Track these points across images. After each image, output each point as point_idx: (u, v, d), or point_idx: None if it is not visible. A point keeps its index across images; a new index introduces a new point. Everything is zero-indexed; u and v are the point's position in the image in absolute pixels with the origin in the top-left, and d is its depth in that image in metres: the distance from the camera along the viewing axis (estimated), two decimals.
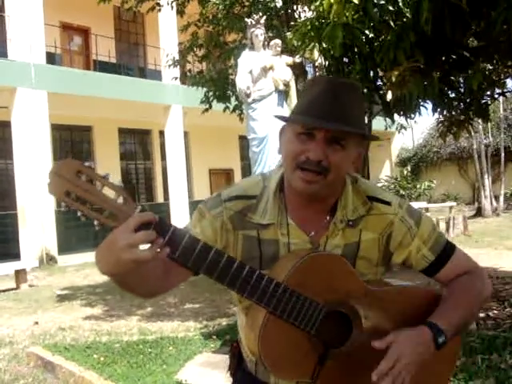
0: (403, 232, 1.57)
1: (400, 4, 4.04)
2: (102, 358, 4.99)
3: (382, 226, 1.56)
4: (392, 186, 23.92)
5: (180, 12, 10.30)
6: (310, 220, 1.56)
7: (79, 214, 1.29)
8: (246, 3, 9.64)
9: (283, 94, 7.42)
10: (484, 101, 5.45)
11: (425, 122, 26.10)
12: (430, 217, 1.69)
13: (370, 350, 1.44)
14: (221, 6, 9.34)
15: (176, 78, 12.05)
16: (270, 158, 7.08)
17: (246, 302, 1.55)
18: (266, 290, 1.40)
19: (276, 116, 1.65)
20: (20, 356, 5.58)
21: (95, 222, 1.30)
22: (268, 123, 6.87)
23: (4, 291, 10.14)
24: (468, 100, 5.41)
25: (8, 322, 7.42)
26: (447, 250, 1.60)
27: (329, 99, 1.43)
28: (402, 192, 23.15)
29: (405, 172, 26.73)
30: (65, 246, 14.91)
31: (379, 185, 24.67)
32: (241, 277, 1.39)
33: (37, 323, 7.13)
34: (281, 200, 1.56)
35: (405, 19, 4.28)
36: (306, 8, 9.65)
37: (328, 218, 1.56)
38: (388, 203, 1.59)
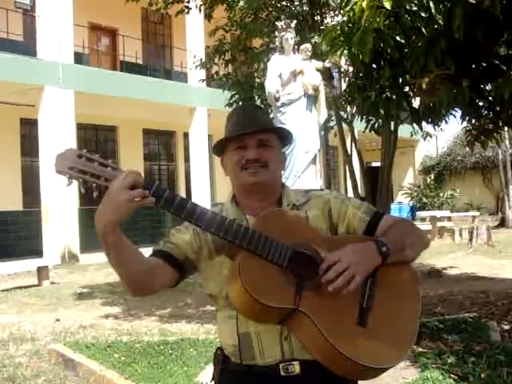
0: (338, 205, 1.88)
1: (432, 10, 3.99)
2: (122, 358, 5.00)
3: (321, 204, 1.88)
4: (415, 194, 23.78)
5: (208, 16, 10.32)
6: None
7: (80, 181, 1.61)
8: (273, 8, 9.63)
9: (312, 99, 7.38)
10: None
11: (449, 130, 25.85)
12: None
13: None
14: (248, 10, 9.33)
15: (202, 81, 12.07)
16: (297, 162, 7.04)
17: (223, 293, 1.76)
18: (237, 230, 1.67)
19: (213, 150, 2.04)
20: (41, 352, 5.63)
21: (93, 185, 1.61)
22: (296, 127, 6.83)
23: (26, 287, 10.25)
24: (498, 109, 5.33)
25: (30, 318, 7.49)
26: (378, 213, 1.90)
27: (244, 117, 1.88)
28: (424, 200, 23.00)
29: (428, 180, 26.54)
30: (87, 245, 15.00)
31: (401, 192, 24.54)
32: (216, 221, 1.68)
33: (58, 320, 7.18)
34: (237, 206, 1.89)
35: (436, 26, 4.24)
36: (331, 13, 9.64)
37: (277, 208, 1.86)
38: (321, 190, 2.03)
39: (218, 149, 1.96)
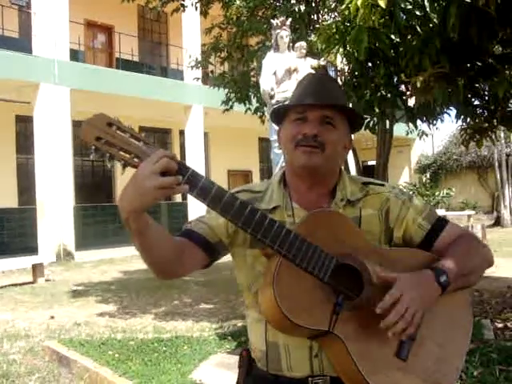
0: (399, 205, 1.68)
1: (427, 9, 4.00)
2: (116, 355, 5.00)
3: (379, 202, 1.68)
4: (410, 193, 23.80)
5: (204, 13, 10.31)
6: (313, 202, 1.65)
7: (107, 155, 1.40)
8: (270, 6, 9.63)
9: None
10: (509, 109, 5.38)
11: (445, 129, 25.89)
12: None
13: None
14: (244, 9, 9.33)
15: (198, 79, 12.07)
16: None
17: (253, 289, 1.62)
18: (278, 233, 1.47)
19: (271, 115, 1.76)
20: (35, 349, 5.63)
21: (121, 163, 1.42)
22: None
23: (21, 285, 10.23)
24: (493, 107, 5.35)
25: (24, 315, 7.48)
26: (441, 220, 1.70)
27: (315, 86, 1.65)
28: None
29: (424, 179, 26.55)
30: (82, 242, 15.00)
31: None
32: (254, 219, 1.46)
33: (53, 317, 7.17)
34: (285, 189, 1.69)
35: (431, 25, 4.24)
36: (328, 12, 9.63)
37: (329, 200, 1.67)
38: (382, 184, 1.75)
39: (279, 116, 1.72)
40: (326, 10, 9.34)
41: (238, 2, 9.15)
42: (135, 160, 1.42)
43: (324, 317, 1.45)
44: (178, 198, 20.21)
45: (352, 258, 1.52)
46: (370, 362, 1.47)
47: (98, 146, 1.40)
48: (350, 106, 6.12)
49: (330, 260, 1.49)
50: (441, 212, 18.74)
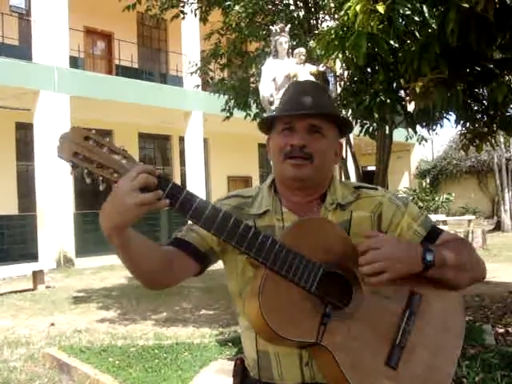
0: (392, 210, 1.65)
1: (426, 15, 4.01)
2: (117, 362, 5.00)
3: (371, 206, 1.65)
4: (410, 198, 23.79)
5: (203, 20, 10.33)
6: (303, 207, 1.64)
7: (85, 172, 1.37)
8: (269, 12, 9.65)
9: None
10: (508, 114, 5.39)
11: (445, 134, 25.89)
12: None
13: (373, 313, 1.48)
14: (244, 15, 9.35)
15: (198, 86, 12.08)
16: None
17: (244, 295, 1.58)
18: (263, 245, 1.43)
19: (259, 125, 1.76)
20: (36, 356, 5.62)
21: (100, 178, 1.37)
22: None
23: (21, 292, 10.21)
24: (492, 112, 5.35)
25: (24, 322, 7.47)
26: (436, 227, 1.67)
27: (300, 94, 1.62)
28: (420, 204, 22.98)
29: (424, 184, 26.56)
30: (82, 249, 14.98)
31: None
32: (238, 231, 1.43)
33: (53, 324, 7.17)
34: (275, 194, 1.68)
35: (430, 30, 4.25)
36: (327, 17, 9.65)
37: (319, 204, 1.65)
38: (375, 188, 1.72)
39: (266, 126, 1.71)
40: (325, 15, 9.37)
41: (237, 8, 9.16)
42: (114, 175, 1.38)
43: (311, 328, 1.42)
44: None
45: (340, 265, 1.50)
46: (359, 372, 1.44)
47: (76, 161, 1.36)
48: (349, 112, 6.14)
49: (317, 269, 1.45)
50: (441, 217, 18.73)
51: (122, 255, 1.46)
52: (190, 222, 1.54)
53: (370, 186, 1.74)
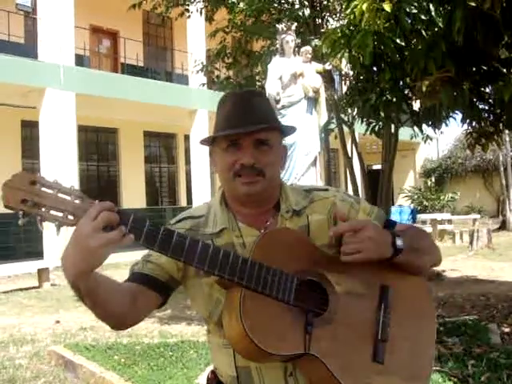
0: (347, 209, 1.66)
1: (432, 13, 4.01)
2: (122, 360, 5.00)
3: (326, 207, 1.65)
4: (416, 197, 23.77)
5: (209, 19, 10.33)
6: (258, 219, 1.62)
7: (38, 218, 1.29)
8: (274, 11, 9.65)
9: (313, 101, 7.40)
10: None
11: (450, 133, 25.84)
12: None
13: (351, 313, 1.50)
14: (248, 12, 9.35)
15: (203, 85, 12.08)
16: (297, 165, 7.04)
17: (215, 318, 1.56)
18: (235, 265, 1.41)
19: (200, 141, 1.68)
20: (41, 354, 5.62)
21: (55, 224, 1.30)
22: (297, 130, 6.85)
23: (26, 289, 10.24)
24: (498, 111, 5.34)
25: (30, 320, 7.49)
26: (390, 219, 1.72)
27: (239, 108, 1.56)
28: (425, 203, 22.99)
29: (429, 183, 26.53)
30: None
31: (402, 195, 24.53)
32: (208, 256, 1.40)
33: (58, 322, 7.18)
34: (228, 210, 1.64)
35: (437, 29, 4.25)
36: (333, 16, 9.65)
37: (274, 214, 1.63)
38: (325, 189, 1.73)
39: (208, 141, 1.66)
40: (331, 14, 9.37)
41: (241, 5, 9.16)
42: (69, 218, 1.30)
43: (298, 339, 1.42)
44: (183, 202, 20.25)
45: (312, 272, 1.49)
46: (351, 373, 1.45)
47: (25, 209, 1.28)
48: (355, 111, 6.13)
49: (292, 280, 1.45)
50: (446, 216, 18.70)
51: (88, 300, 1.40)
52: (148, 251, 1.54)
53: (320, 187, 1.76)
